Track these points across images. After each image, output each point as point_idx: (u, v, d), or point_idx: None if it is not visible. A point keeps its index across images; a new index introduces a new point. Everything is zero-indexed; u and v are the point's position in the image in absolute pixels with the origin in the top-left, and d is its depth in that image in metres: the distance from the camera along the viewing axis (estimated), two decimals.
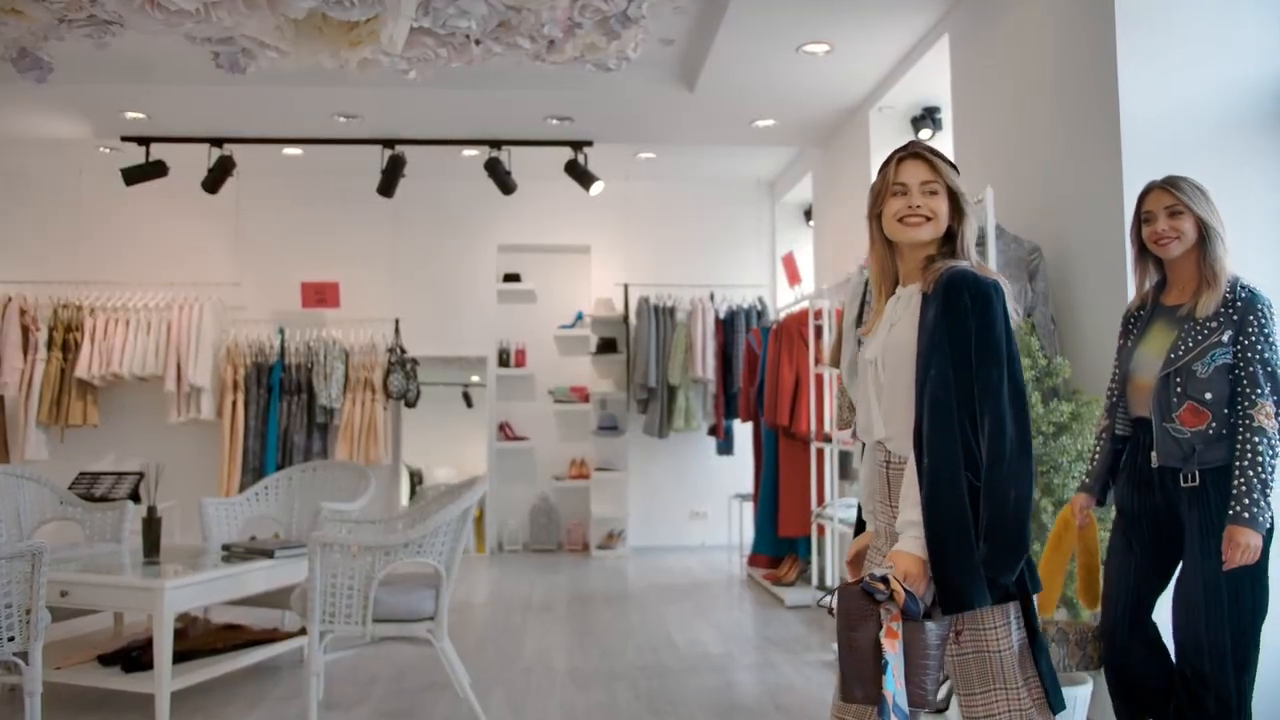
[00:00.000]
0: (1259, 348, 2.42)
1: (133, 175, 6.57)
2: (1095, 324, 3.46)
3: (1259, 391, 2.40)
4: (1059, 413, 3.21)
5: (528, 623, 5.56)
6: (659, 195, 8.58)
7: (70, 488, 5.29)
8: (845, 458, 5.87)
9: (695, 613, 5.81)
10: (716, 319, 8.03)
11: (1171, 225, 2.54)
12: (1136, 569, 2.62)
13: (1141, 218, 2.63)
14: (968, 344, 1.89)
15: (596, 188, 6.93)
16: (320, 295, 7.72)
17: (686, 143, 7.16)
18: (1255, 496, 2.35)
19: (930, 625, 1.83)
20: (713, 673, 4.43)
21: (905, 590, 1.80)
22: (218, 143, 6.69)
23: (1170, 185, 2.58)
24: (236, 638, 4.19)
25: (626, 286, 8.37)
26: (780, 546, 6.53)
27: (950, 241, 2.02)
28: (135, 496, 5.56)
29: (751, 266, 8.60)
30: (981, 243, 3.59)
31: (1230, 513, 2.37)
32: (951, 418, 1.87)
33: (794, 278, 6.87)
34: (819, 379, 5.96)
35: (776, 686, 4.20)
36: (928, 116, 5.81)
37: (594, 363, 8.49)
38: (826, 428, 5.77)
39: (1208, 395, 2.44)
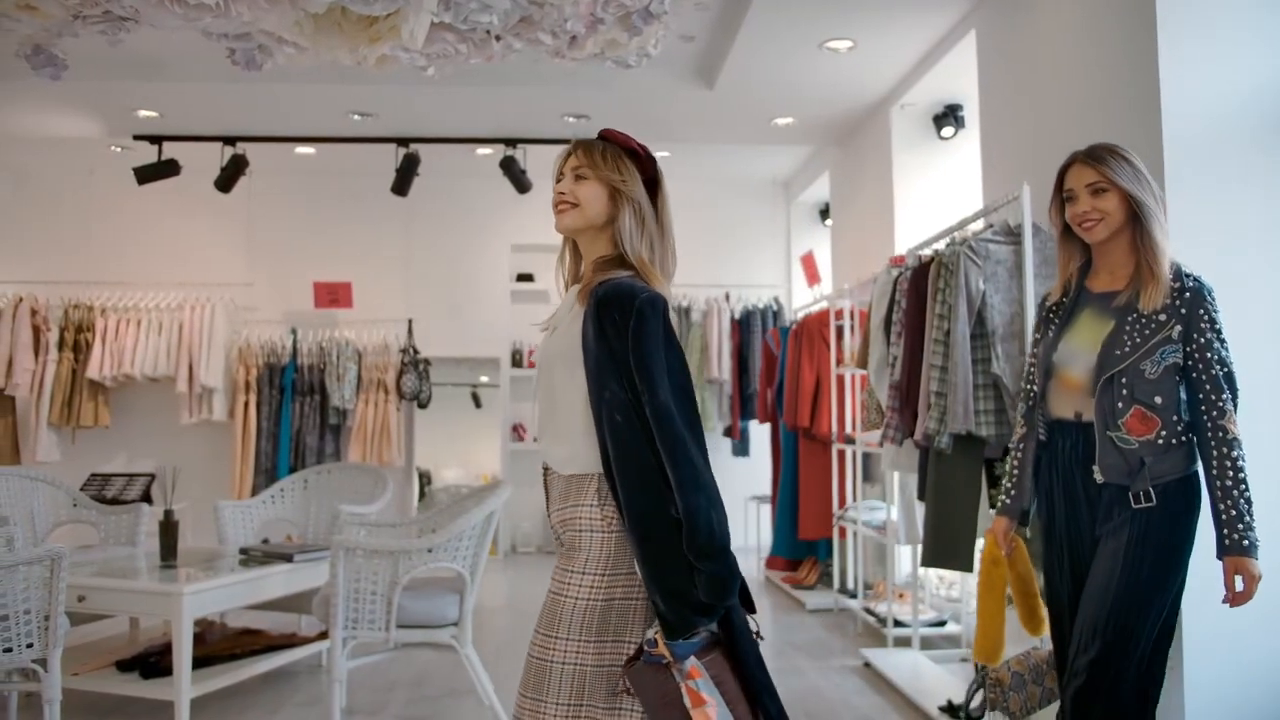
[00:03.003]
0: (1215, 346, 2.14)
1: (145, 174, 6.51)
2: None
3: (1224, 397, 2.12)
4: None
5: None
6: (673, 194, 8.09)
7: (81, 489, 5.23)
8: (868, 459, 5.80)
9: None
10: (732, 319, 7.95)
11: (1095, 205, 2.23)
12: (1074, 592, 2.31)
13: (1063, 195, 2.31)
14: (629, 364, 1.76)
15: None
16: (333, 295, 7.65)
17: (704, 142, 7.08)
18: (1249, 520, 2.07)
19: (721, 655, 1.77)
20: None
21: (669, 645, 1.70)
22: (231, 141, 6.63)
23: (1092, 158, 2.25)
24: (255, 643, 4.12)
25: None
26: (798, 549, 6.45)
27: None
28: (147, 498, 5.51)
29: (767, 266, 8.51)
30: (1016, 238, 3.53)
31: (1227, 542, 2.08)
32: (638, 442, 1.74)
33: (813, 277, 6.79)
34: (840, 380, 5.88)
35: (804, 692, 4.12)
36: (950, 114, 5.73)
37: None
38: (848, 429, 5.69)
39: (1157, 399, 2.14)
